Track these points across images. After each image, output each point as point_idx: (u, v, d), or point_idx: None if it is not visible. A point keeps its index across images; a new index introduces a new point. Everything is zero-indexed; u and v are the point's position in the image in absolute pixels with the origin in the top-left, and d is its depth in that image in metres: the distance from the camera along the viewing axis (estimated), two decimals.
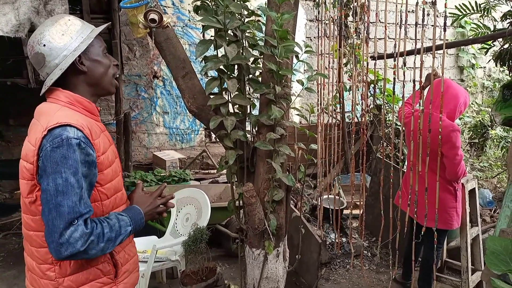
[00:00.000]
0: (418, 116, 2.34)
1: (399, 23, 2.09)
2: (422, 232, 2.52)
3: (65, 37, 1.29)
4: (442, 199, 2.65)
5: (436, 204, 2.24)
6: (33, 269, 1.34)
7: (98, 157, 1.28)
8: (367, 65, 2.60)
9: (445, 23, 1.80)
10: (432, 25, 1.93)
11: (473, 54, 7.29)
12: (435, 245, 2.62)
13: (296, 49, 2.14)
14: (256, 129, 2.36)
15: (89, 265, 1.31)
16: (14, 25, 1.83)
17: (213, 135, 5.83)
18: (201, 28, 6.08)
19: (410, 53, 2.16)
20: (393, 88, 2.31)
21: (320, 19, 3.17)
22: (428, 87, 2.75)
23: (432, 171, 2.49)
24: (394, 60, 2.18)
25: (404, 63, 2.17)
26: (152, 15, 1.63)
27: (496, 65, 3.96)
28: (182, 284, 2.54)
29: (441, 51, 1.98)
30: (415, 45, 2.03)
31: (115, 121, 4.55)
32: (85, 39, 1.32)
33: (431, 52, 2.18)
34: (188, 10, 5.41)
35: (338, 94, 3.75)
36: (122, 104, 4.40)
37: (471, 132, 6.31)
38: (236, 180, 2.45)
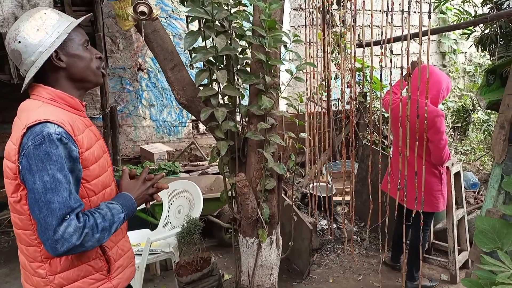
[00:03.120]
0: (405, 103, 2.39)
1: (385, 11, 2.11)
2: (411, 219, 2.59)
3: (40, 33, 1.25)
4: (428, 182, 2.71)
5: (422, 187, 2.29)
6: (25, 266, 1.33)
7: (82, 153, 1.25)
8: (355, 53, 2.62)
9: (430, 10, 1.83)
10: (414, 12, 1.96)
11: (454, 39, 7.40)
12: (422, 227, 2.70)
13: (284, 38, 2.15)
14: (247, 119, 2.37)
15: (80, 262, 1.30)
16: None
17: (201, 127, 5.81)
18: (184, 19, 5.99)
19: (397, 39, 2.19)
20: (380, 75, 2.34)
21: (305, 8, 3.18)
22: (413, 74, 2.81)
23: (418, 156, 2.55)
24: (381, 48, 2.21)
25: (391, 51, 2.20)
26: (142, 8, 1.62)
27: (478, 50, 4.04)
28: (177, 275, 2.56)
29: (425, 37, 2.02)
30: (402, 32, 2.06)
31: (101, 116, 4.50)
32: (61, 34, 1.27)
33: (416, 38, 2.21)
34: (171, 1, 5.34)
35: (324, 83, 3.77)
36: (108, 98, 4.35)
37: (454, 117, 6.44)
38: (228, 170, 2.47)
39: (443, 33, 7.29)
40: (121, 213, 1.30)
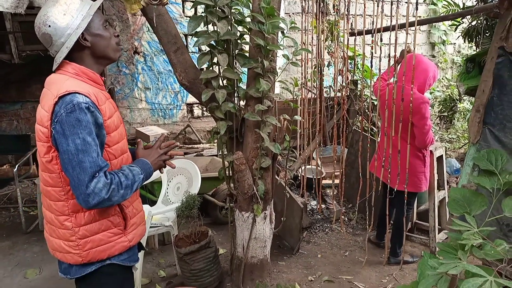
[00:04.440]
0: (392, 88, 2.55)
1: (376, 1, 2.25)
2: (393, 193, 2.79)
3: (67, 17, 1.39)
4: (412, 164, 2.90)
5: (407, 165, 2.48)
6: (52, 220, 1.49)
7: (105, 121, 1.41)
8: (348, 41, 2.77)
9: (417, 2, 1.98)
10: (406, 2, 2.10)
11: (444, 30, 7.57)
12: (406, 207, 2.90)
13: (282, 25, 2.29)
14: (245, 101, 2.52)
15: (101, 217, 1.47)
16: (14, 1, 1.89)
17: (195, 111, 5.93)
18: (180, 3, 6.04)
19: (385, 29, 2.35)
20: (371, 63, 2.50)
21: None
22: (402, 62, 2.98)
23: (402, 138, 2.74)
24: (372, 36, 2.36)
25: (381, 39, 2.35)
26: None
27: (465, 41, 4.21)
28: (176, 246, 2.72)
29: (413, 28, 2.17)
30: (391, 22, 2.22)
31: None
32: (85, 16, 1.42)
33: (405, 28, 2.37)
34: None
35: (317, 69, 3.92)
36: (106, 80, 4.45)
37: (441, 106, 6.65)
38: (226, 149, 2.62)
39: (433, 24, 7.45)
40: (141, 174, 1.48)
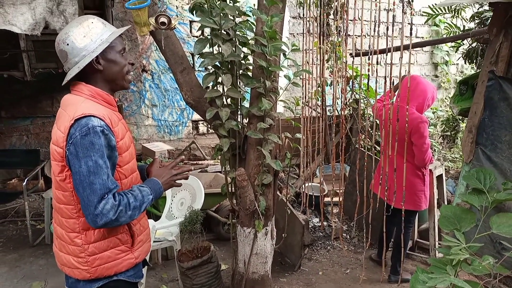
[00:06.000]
0: (389, 109, 2.64)
1: (373, 21, 2.34)
2: (390, 211, 2.85)
3: (86, 39, 1.45)
4: (412, 183, 2.96)
5: (403, 183, 2.54)
6: (62, 236, 1.53)
7: (117, 143, 1.47)
8: (346, 62, 2.87)
9: (411, 28, 2.08)
10: (408, 23, 2.19)
11: (446, 51, 7.67)
12: (406, 225, 2.94)
13: (284, 47, 2.40)
14: (247, 119, 2.61)
15: (110, 235, 1.52)
16: (31, 24, 2.01)
17: (200, 128, 6.05)
18: (188, 24, 6.23)
19: (382, 51, 2.44)
20: (367, 82, 2.59)
21: (303, 16, 3.43)
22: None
23: (401, 156, 2.81)
24: (368, 59, 2.46)
25: (377, 62, 2.44)
26: (162, 19, 1.86)
27: (465, 63, 4.31)
28: (179, 261, 2.78)
29: (416, 49, 2.26)
30: (389, 44, 2.31)
31: None
32: (103, 42, 1.47)
33: (407, 50, 2.46)
34: (176, 6, 5.59)
35: (320, 89, 4.02)
36: (114, 97, 4.58)
37: (444, 125, 6.70)
38: (229, 166, 2.70)
39: (436, 45, 7.56)
40: (150, 195, 1.52)
